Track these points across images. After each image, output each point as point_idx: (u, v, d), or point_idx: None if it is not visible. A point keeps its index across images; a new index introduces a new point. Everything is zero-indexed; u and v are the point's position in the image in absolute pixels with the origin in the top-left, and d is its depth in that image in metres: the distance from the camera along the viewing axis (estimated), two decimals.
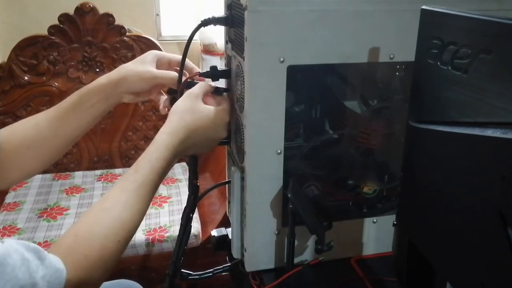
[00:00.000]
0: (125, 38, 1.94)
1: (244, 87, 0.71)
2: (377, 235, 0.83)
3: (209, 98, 0.78)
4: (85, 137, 1.91)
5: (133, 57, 0.84)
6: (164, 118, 0.75)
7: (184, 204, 0.85)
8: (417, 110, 0.57)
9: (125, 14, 2.19)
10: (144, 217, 0.69)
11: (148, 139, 2.04)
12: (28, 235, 1.58)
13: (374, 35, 0.70)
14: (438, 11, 0.52)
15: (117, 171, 2.04)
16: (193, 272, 0.85)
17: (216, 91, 0.80)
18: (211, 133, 0.76)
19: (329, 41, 0.69)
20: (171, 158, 0.70)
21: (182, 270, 0.83)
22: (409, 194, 0.61)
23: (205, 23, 0.77)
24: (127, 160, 2.09)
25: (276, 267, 0.79)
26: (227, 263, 0.87)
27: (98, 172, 2.03)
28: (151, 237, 1.61)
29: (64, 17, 1.88)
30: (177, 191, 1.89)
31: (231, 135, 0.83)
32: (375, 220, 0.82)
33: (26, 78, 1.91)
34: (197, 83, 0.79)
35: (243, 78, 0.71)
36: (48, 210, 1.74)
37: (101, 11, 1.90)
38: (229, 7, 0.77)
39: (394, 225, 0.66)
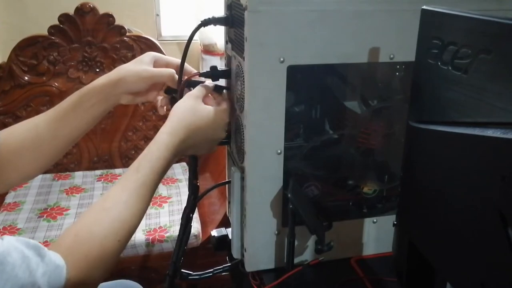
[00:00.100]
0: (125, 38, 1.94)
1: (244, 87, 0.71)
2: (377, 235, 0.83)
3: (209, 99, 0.79)
4: (85, 137, 1.91)
5: (133, 57, 0.84)
6: (164, 118, 0.75)
7: (184, 204, 0.85)
8: (417, 110, 0.57)
9: (125, 14, 2.19)
10: (144, 217, 0.69)
11: (148, 139, 2.03)
12: (28, 235, 1.58)
13: (374, 35, 0.70)
14: (438, 11, 0.52)
15: (117, 171, 2.04)
16: (193, 272, 0.85)
17: (216, 89, 0.80)
18: (211, 133, 0.76)
19: (329, 41, 0.69)
20: (171, 158, 0.70)
21: (182, 270, 0.83)
22: (409, 194, 0.61)
23: (205, 23, 0.77)
24: (127, 160, 2.09)
25: (276, 267, 0.79)
26: (227, 263, 0.87)
27: (98, 172, 2.03)
28: (151, 237, 1.61)
29: (64, 17, 1.88)
30: (177, 191, 1.89)
31: (231, 135, 0.83)
32: (375, 220, 0.82)
33: (26, 78, 1.91)
34: (197, 82, 0.79)
35: (243, 78, 0.71)
36: (48, 210, 1.74)
37: (101, 11, 1.90)
38: (229, 7, 0.77)
39: (394, 225, 0.66)
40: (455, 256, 0.53)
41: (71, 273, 0.57)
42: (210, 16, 0.77)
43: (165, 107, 0.85)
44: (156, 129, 2.04)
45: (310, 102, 0.81)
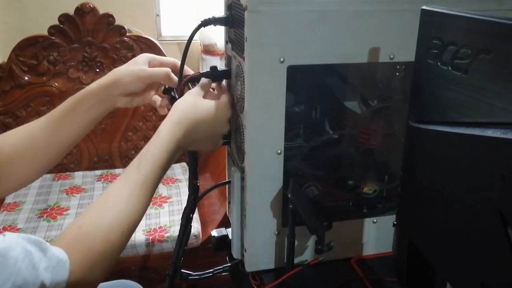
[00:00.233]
0: (125, 38, 1.94)
1: (244, 87, 0.71)
2: (377, 235, 0.83)
3: (210, 95, 0.79)
4: (85, 137, 1.89)
5: (133, 57, 0.84)
6: (164, 118, 0.75)
7: (184, 204, 0.84)
8: (417, 110, 0.57)
9: (125, 14, 2.19)
10: (144, 217, 0.70)
11: (148, 139, 2.03)
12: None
13: (374, 35, 0.70)
14: (438, 11, 0.52)
15: (117, 171, 2.04)
16: (193, 272, 0.85)
17: (216, 79, 0.80)
18: (212, 126, 0.76)
19: (329, 41, 0.69)
20: (174, 151, 0.70)
21: (182, 270, 0.83)
22: (409, 194, 0.61)
23: (205, 23, 0.77)
24: (127, 160, 2.09)
25: (276, 267, 0.79)
26: (227, 263, 0.87)
27: (98, 172, 2.03)
28: (151, 237, 1.61)
29: (64, 17, 1.88)
30: (177, 191, 1.89)
31: (231, 135, 0.83)
32: (375, 220, 0.82)
33: (26, 78, 1.91)
34: (197, 81, 0.79)
35: (243, 78, 0.71)
36: (48, 210, 1.74)
37: (101, 11, 1.90)
38: (229, 7, 0.77)
39: (394, 225, 0.66)
40: (455, 256, 0.53)
41: (74, 265, 0.57)
42: (210, 16, 0.77)
43: (166, 108, 0.85)
44: (156, 129, 2.02)
45: (310, 102, 0.81)
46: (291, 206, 0.71)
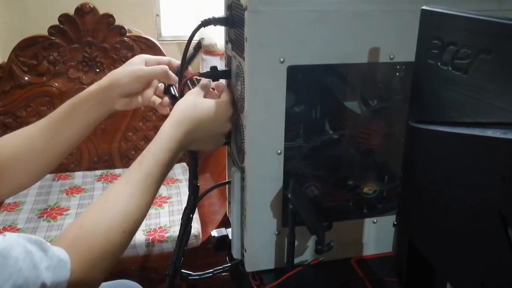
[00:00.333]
0: (125, 38, 1.94)
1: (244, 87, 0.71)
2: (377, 235, 0.83)
3: (211, 94, 0.79)
4: (85, 138, 1.91)
5: (133, 57, 0.85)
6: (164, 118, 0.75)
7: (184, 205, 0.85)
8: (417, 110, 0.57)
9: (125, 14, 2.19)
10: (144, 217, 0.69)
11: (148, 139, 2.04)
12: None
13: (374, 35, 0.70)
14: (438, 11, 0.52)
15: (117, 171, 2.04)
16: (193, 272, 0.85)
17: (215, 79, 0.80)
18: (213, 125, 0.76)
19: (329, 41, 0.69)
20: (175, 151, 0.70)
21: (182, 270, 0.83)
22: (409, 194, 0.61)
23: (205, 23, 0.77)
24: (127, 161, 2.09)
25: (276, 267, 0.79)
26: (227, 264, 0.87)
27: (98, 172, 2.03)
28: (151, 237, 1.61)
29: (64, 18, 1.88)
30: (177, 191, 1.90)
31: (231, 135, 0.83)
32: (375, 221, 0.82)
33: (26, 78, 1.91)
34: (197, 81, 0.79)
35: (243, 79, 0.71)
36: (48, 210, 1.74)
37: (101, 11, 1.90)
38: (229, 7, 0.77)
39: (394, 225, 0.66)
40: (455, 256, 0.53)
41: (75, 264, 0.57)
42: (210, 17, 0.77)
43: (167, 107, 0.85)
44: (156, 129, 2.03)
45: (310, 102, 0.81)
46: (291, 206, 0.71)
